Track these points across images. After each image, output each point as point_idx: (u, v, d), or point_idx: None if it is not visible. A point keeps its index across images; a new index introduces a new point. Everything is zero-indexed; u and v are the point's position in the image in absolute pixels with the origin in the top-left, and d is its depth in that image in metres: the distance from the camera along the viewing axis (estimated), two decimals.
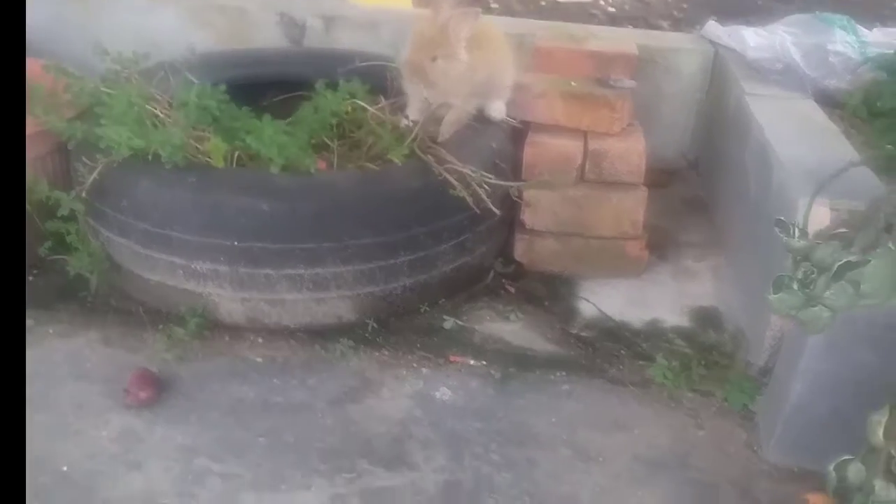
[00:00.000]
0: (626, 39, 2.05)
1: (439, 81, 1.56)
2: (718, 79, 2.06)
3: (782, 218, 0.99)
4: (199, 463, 1.28)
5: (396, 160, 1.45)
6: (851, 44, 1.85)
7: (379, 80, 1.74)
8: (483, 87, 1.66)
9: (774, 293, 0.87)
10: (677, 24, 3.04)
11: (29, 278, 1.62)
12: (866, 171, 1.38)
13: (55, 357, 1.47)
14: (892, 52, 1.75)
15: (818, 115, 1.66)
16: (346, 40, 2.12)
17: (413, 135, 1.55)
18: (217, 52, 2.02)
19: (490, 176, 1.52)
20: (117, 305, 1.58)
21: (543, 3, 3.16)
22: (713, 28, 2.12)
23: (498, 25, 1.84)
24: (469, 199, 1.49)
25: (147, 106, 1.47)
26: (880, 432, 0.94)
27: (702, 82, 2.11)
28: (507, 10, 3.06)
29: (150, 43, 2.12)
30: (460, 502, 1.24)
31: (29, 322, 1.53)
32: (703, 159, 2.13)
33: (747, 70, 1.91)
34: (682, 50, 2.10)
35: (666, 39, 2.18)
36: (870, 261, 0.82)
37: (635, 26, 2.94)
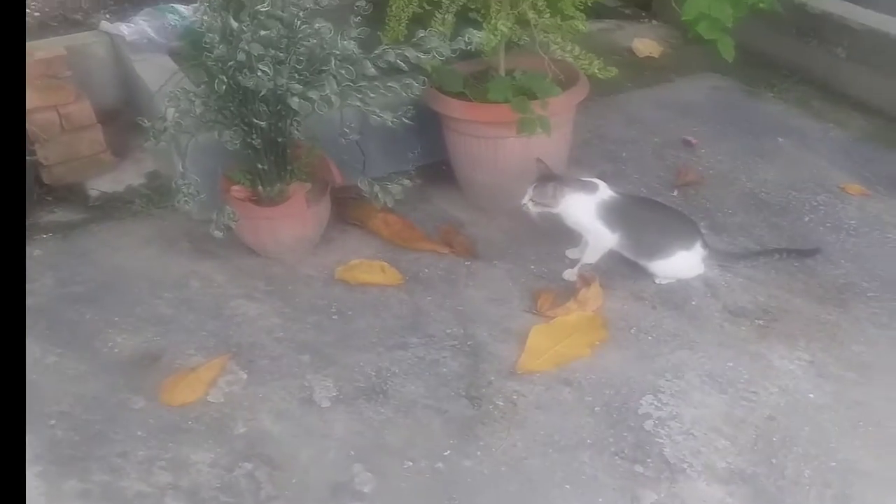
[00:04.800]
0: (57, 46, 3.45)
1: None
2: (119, 54, 3.58)
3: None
4: None
5: None
6: (177, 20, 3.50)
7: None
8: None
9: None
10: (86, 15, 4.37)
11: None
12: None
13: None
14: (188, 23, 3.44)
15: (169, 63, 3.28)
16: None
17: None
18: None
19: None
20: None
21: None
22: (105, 25, 3.61)
23: None
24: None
25: None
26: None
27: (111, 57, 3.62)
28: None
29: None
30: None
31: None
32: (128, 100, 3.67)
33: (130, 46, 3.46)
34: (93, 43, 3.58)
35: (83, 39, 3.62)
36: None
37: (58, 24, 4.26)
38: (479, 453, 2.11)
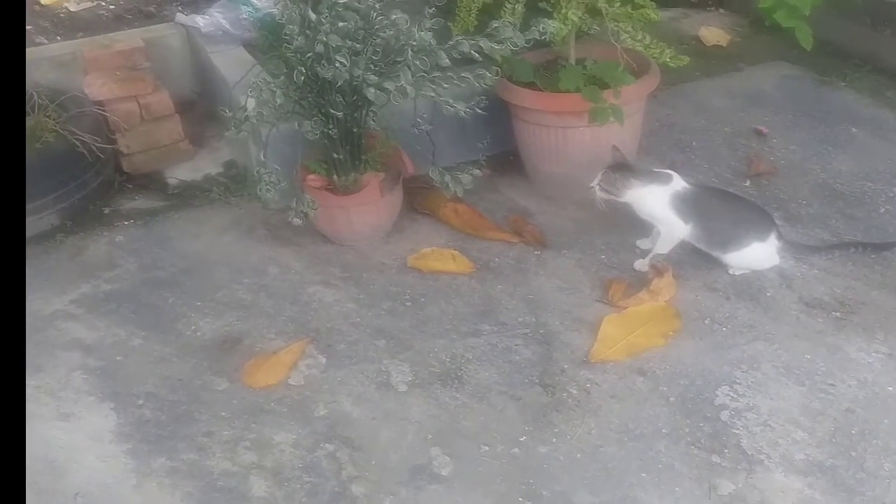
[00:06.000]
0: (135, 38, 3.55)
1: None
2: (195, 45, 3.67)
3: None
4: None
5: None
6: (250, 12, 3.56)
7: None
8: None
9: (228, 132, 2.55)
10: (159, 7, 4.47)
11: None
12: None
13: None
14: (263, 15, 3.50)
15: (244, 54, 3.36)
16: None
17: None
18: None
19: (98, 139, 3.01)
20: None
21: (63, 16, 4.43)
22: (181, 17, 3.71)
23: None
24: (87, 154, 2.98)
25: None
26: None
27: (186, 49, 3.72)
28: (39, 30, 4.32)
29: None
30: None
31: None
32: (204, 91, 3.76)
33: (206, 38, 3.55)
34: (169, 35, 3.68)
35: (160, 31, 3.73)
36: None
37: (133, 16, 4.38)
38: (554, 440, 2.14)
